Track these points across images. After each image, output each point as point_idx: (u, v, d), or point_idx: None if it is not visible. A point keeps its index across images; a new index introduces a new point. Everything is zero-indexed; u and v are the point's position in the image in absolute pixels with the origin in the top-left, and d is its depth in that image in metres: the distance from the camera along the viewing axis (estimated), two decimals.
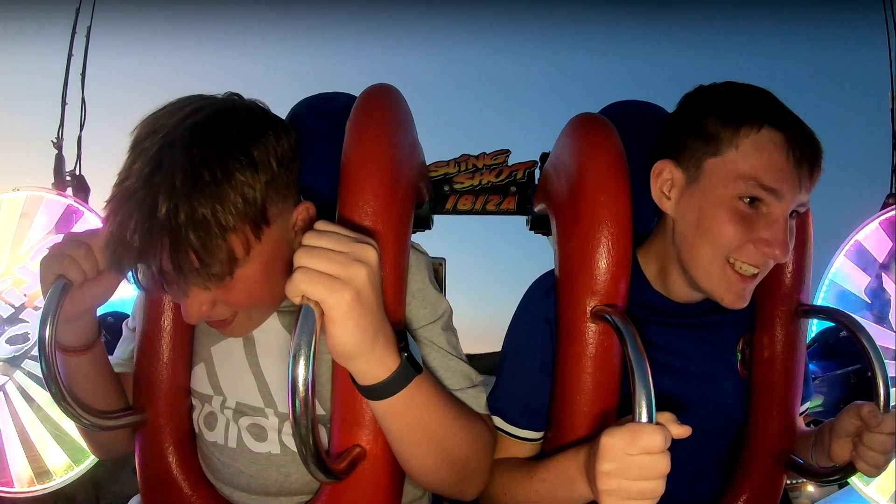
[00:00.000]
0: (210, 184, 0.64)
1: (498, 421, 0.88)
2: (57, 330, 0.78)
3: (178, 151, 0.64)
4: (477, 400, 0.82)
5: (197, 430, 0.89)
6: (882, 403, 0.81)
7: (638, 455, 0.61)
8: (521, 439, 0.88)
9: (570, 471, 0.72)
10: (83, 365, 0.84)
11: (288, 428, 0.83)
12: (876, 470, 0.80)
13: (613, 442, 0.62)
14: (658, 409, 0.64)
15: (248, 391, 0.85)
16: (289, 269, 0.67)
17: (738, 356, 0.95)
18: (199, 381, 0.88)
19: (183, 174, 0.63)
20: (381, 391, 0.64)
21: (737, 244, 0.80)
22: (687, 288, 0.89)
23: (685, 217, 0.85)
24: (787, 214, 0.80)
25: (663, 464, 0.61)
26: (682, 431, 0.63)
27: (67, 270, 0.73)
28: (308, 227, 0.72)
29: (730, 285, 0.82)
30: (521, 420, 0.88)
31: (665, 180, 0.86)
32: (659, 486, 0.61)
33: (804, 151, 0.79)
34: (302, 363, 0.54)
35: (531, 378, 0.88)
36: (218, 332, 0.85)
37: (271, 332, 0.85)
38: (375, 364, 0.62)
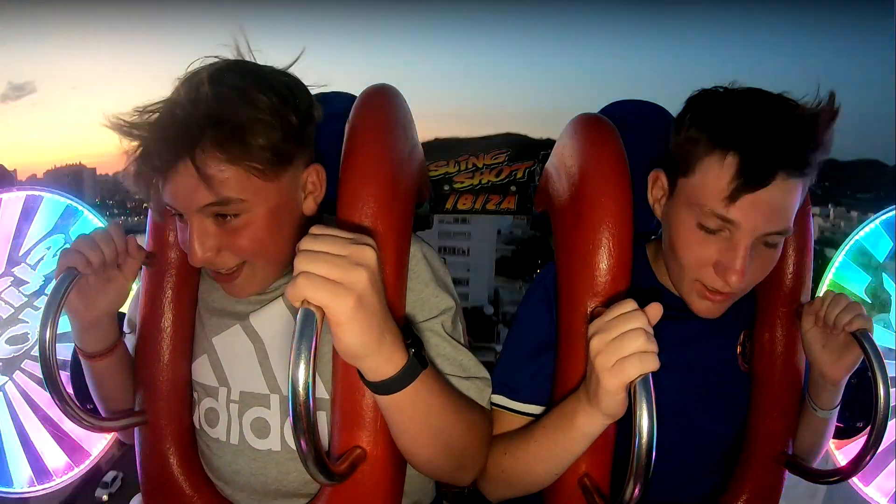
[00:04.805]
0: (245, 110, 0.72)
1: (502, 399, 0.87)
2: (79, 340, 0.83)
3: (223, 78, 0.73)
4: (481, 393, 0.83)
5: (198, 427, 0.90)
6: (882, 404, 0.81)
7: (614, 318, 0.67)
8: (525, 415, 0.87)
9: (569, 405, 0.75)
10: (109, 366, 0.87)
11: (289, 422, 0.84)
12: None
13: (595, 321, 0.69)
14: (659, 405, 0.64)
15: (253, 378, 0.86)
16: (294, 229, 0.80)
17: (739, 349, 0.95)
18: (203, 373, 0.89)
19: (226, 99, 0.71)
20: (388, 387, 0.65)
21: (696, 268, 0.81)
22: None
23: (666, 230, 0.87)
24: (747, 242, 0.76)
25: (641, 318, 0.66)
26: (657, 311, 0.68)
27: (74, 261, 0.76)
28: (317, 189, 0.81)
29: (700, 300, 0.83)
30: (526, 395, 0.87)
31: (658, 188, 0.88)
32: (642, 337, 0.65)
33: (760, 175, 0.73)
34: (302, 366, 0.55)
35: (532, 354, 0.89)
36: (220, 322, 0.88)
37: (274, 317, 0.86)
38: (384, 362, 0.64)
